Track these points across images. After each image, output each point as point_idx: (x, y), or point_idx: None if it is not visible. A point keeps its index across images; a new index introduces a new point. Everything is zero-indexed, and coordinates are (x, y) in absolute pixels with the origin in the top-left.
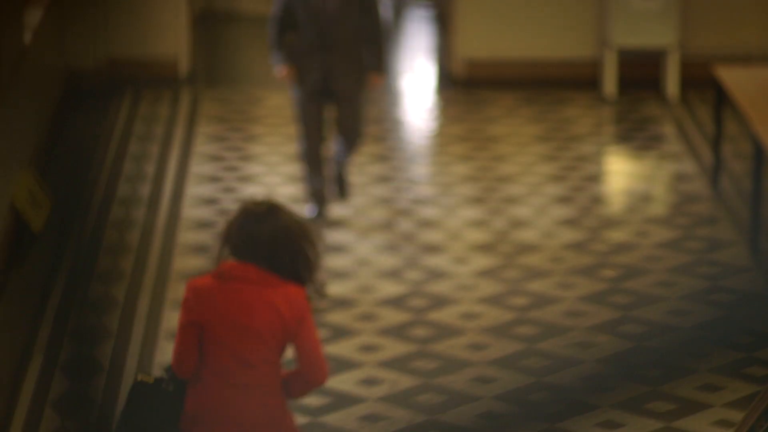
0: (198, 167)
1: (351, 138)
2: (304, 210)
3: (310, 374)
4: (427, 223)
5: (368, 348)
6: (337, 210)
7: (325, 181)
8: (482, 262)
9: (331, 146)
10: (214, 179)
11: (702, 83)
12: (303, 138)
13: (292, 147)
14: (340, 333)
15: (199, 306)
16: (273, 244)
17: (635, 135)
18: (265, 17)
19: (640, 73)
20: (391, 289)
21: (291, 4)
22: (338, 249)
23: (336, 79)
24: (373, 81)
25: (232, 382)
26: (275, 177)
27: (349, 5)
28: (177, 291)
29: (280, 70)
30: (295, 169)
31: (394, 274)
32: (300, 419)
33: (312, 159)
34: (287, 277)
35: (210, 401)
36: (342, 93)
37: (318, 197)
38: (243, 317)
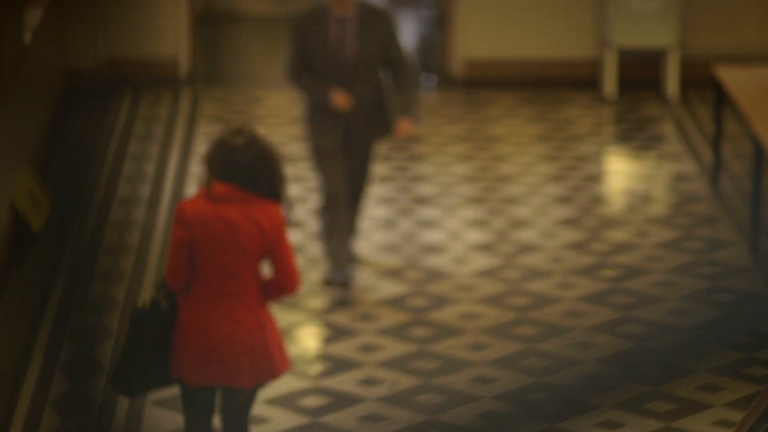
0: (198, 167)
1: (358, 192)
2: (327, 278)
3: (285, 281)
4: (427, 223)
5: (368, 348)
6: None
7: (347, 242)
8: (482, 262)
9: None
10: None
11: (702, 83)
12: (324, 191)
13: (292, 147)
14: (340, 333)
15: (189, 225)
16: (253, 169)
17: (635, 135)
18: (265, 17)
19: (640, 73)
20: (391, 289)
21: (305, 50)
22: None
23: (357, 136)
24: (403, 128)
25: (220, 291)
26: None
27: (371, 49)
28: None
29: (333, 98)
30: (295, 169)
31: (394, 274)
32: (300, 419)
33: (333, 218)
34: (265, 195)
35: (200, 310)
36: (360, 149)
37: (338, 261)
38: (229, 233)
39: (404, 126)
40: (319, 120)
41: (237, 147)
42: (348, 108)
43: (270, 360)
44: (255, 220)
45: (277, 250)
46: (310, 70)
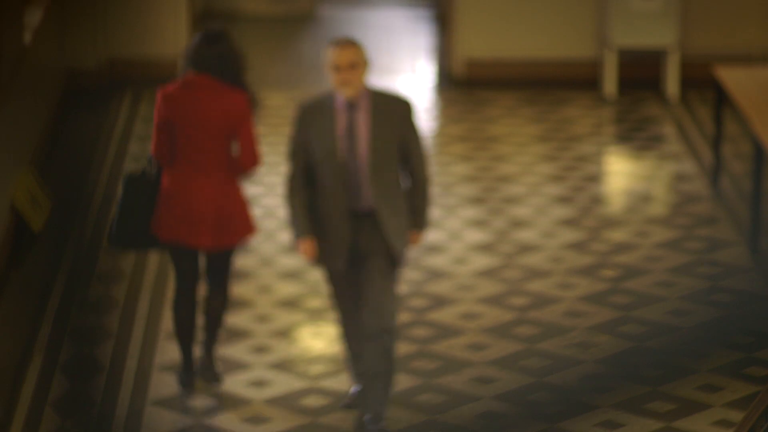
0: None
1: (379, 333)
2: (350, 391)
3: (246, 160)
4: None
5: None
6: None
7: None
8: (482, 262)
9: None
10: None
11: (702, 83)
12: (341, 317)
13: None
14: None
15: (168, 109)
16: (221, 62)
17: (635, 135)
18: (265, 17)
19: (640, 73)
20: None
21: (308, 146)
22: None
23: (370, 253)
24: (413, 239)
25: (194, 164)
26: (275, 177)
27: (387, 142)
28: None
29: (299, 244)
30: None
31: None
32: (300, 419)
33: (354, 338)
34: (233, 84)
35: (177, 179)
36: (376, 270)
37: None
38: (201, 116)
39: (414, 238)
40: (328, 243)
41: (209, 43)
42: (311, 261)
43: (231, 225)
44: (221, 104)
45: (241, 133)
46: (313, 172)
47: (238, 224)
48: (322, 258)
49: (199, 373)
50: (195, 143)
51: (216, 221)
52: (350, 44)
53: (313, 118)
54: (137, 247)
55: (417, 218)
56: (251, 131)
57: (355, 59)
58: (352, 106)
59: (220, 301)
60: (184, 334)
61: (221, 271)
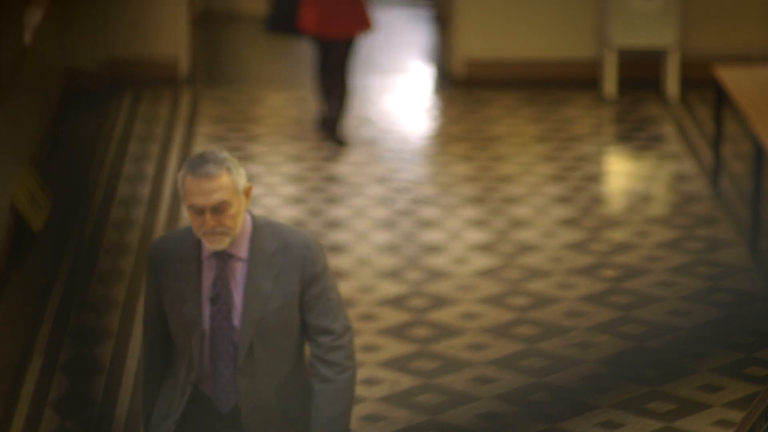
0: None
1: None
2: None
3: None
4: (427, 223)
5: (368, 348)
6: (336, 210)
7: None
8: (482, 262)
9: None
10: None
11: (702, 83)
12: None
13: (293, 147)
14: None
15: None
16: None
17: (635, 135)
18: (265, 17)
19: (640, 73)
20: (391, 289)
21: (160, 303)
22: (338, 249)
23: None
24: None
25: None
26: (275, 177)
27: (275, 311)
28: None
29: None
30: (295, 168)
31: (394, 274)
32: None
33: None
34: None
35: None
36: None
37: None
38: None
39: None
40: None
41: None
42: None
43: (354, 20)
44: None
45: None
46: (168, 341)
47: (361, 20)
48: None
49: (329, 136)
50: None
51: (343, 18)
52: (216, 170)
53: (167, 267)
54: (287, 33)
55: (320, 429)
56: None
57: (226, 196)
58: (224, 253)
59: (343, 86)
60: (323, 89)
61: (343, 60)
